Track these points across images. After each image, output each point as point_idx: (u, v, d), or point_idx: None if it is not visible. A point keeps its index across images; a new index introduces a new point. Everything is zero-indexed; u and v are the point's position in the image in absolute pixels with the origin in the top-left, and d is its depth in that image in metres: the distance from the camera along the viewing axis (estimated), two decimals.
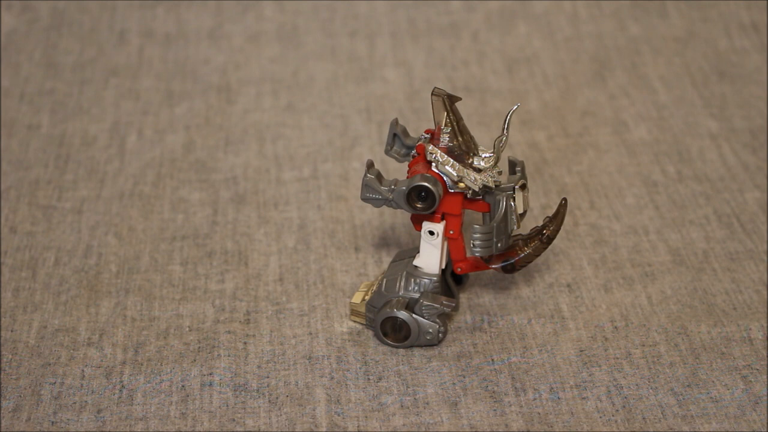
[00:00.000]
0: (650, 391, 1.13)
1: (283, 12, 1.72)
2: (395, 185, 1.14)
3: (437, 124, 1.15)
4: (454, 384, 1.14)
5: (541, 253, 1.17)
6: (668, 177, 1.42)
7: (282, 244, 1.32)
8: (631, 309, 1.23)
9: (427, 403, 1.12)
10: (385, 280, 1.18)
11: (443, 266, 1.19)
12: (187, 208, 1.37)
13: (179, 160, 1.45)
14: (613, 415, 1.11)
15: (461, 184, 1.13)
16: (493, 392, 1.13)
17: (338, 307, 1.23)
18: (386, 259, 1.29)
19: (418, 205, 1.13)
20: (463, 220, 1.17)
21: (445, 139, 1.14)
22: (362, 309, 1.19)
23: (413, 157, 1.17)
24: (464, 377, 1.15)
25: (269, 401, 1.12)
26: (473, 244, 1.14)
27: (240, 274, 1.27)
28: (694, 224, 1.35)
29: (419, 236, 1.17)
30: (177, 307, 1.23)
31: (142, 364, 1.16)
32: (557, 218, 1.18)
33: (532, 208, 1.36)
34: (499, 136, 1.14)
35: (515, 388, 1.13)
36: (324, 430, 1.09)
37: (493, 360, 1.16)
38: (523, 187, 1.17)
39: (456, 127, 1.14)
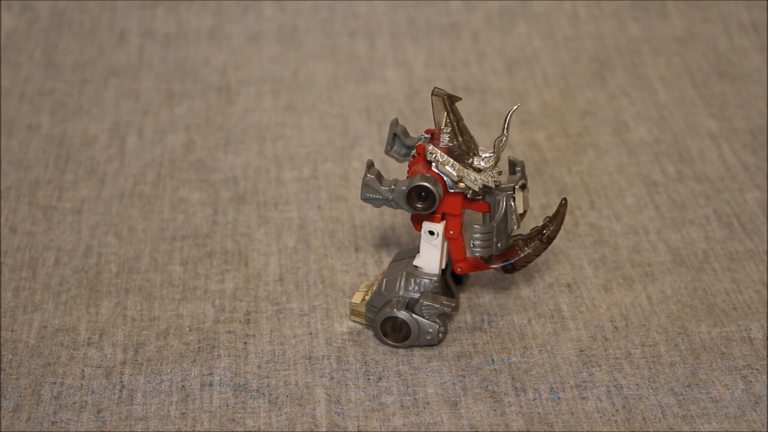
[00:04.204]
0: (650, 391, 1.13)
1: (283, 12, 1.72)
2: (395, 185, 1.13)
3: (437, 124, 1.15)
4: (454, 384, 1.14)
5: (541, 253, 1.17)
6: (668, 177, 1.42)
7: (282, 244, 1.32)
8: (631, 309, 1.23)
9: (427, 403, 1.12)
10: (385, 280, 1.18)
11: (443, 266, 1.19)
12: (187, 208, 1.37)
13: (179, 160, 1.45)
14: (613, 415, 1.11)
15: (461, 184, 1.13)
16: (493, 392, 1.13)
17: (338, 307, 1.23)
18: (386, 259, 1.29)
19: (418, 205, 1.13)
20: (463, 220, 1.17)
21: (445, 139, 1.14)
22: (362, 309, 1.19)
23: (413, 157, 1.17)
24: (464, 377, 1.15)
25: (269, 401, 1.12)
26: (473, 244, 1.14)
27: (240, 274, 1.27)
28: (694, 224, 1.35)
29: (419, 236, 1.17)
30: (177, 307, 1.23)
31: (142, 364, 1.16)
32: (557, 218, 1.18)
33: (532, 208, 1.36)
34: (499, 136, 1.14)
35: (515, 388, 1.13)
36: (324, 430, 1.09)
37: (493, 360, 1.17)
38: (523, 187, 1.17)
39: (456, 127, 1.14)
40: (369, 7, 1.72)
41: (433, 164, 1.13)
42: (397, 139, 1.19)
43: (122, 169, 1.43)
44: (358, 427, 1.10)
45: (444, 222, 1.16)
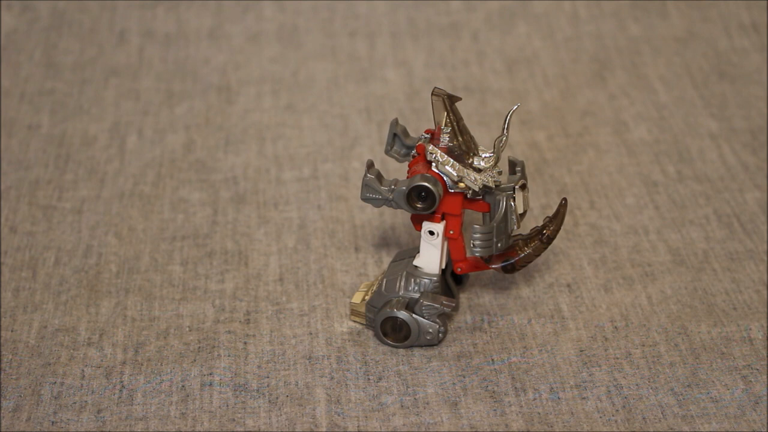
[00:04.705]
0: (650, 391, 1.13)
1: (283, 12, 1.72)
2: (395, 185, 1.13)
3: (437, 124, 1.15)
4: (454, 384, 1.14)
5: (541, 253, 1.17)
6: (668, 177, 1.42)
7: (282, 244, 1.32)
8: (631, 309, 1.23)
9: (427, 403, 1.12)
10: (385, 280, 1.18)
11: (443, 266, 1.19)
12: (187, 208, 1.37)
13: (179, 160, 1.45)
14: (613, 415, 1.11)
15: (461, 184, 1.13)
16: (493, 392, 1.13)
17: (338, 307, 1.23)
18: (386, 259, 1.29)
19: (418, 205, 1.13)
20: (463, 220, 1.17)
21: (445, 139, 1.14)
22: (362, 309, 1.19)
23: (413, 157, 1.17)
24: (464, 377, 1.15)
25: (269, 401, 1.12)
26: (473, 244, 1.14)
27: (240, 274, 1.27)
28: (694, 224, 1.35)
29: (419, 236, 1.17)
30: (177, 307, 1.23)
31: (142, 364, 1.16)
32: (557, 218, 1.18)
33: (532, 208, 1.36)
34: (499, 136, 1.14)
35: (515, 388, 1.13)
36: (324, 430, 1.09)
37: (493, 360, 1.17)
38: (523, 187, 1.17)
39: (456, 127, 1.14)
40: (369, 7, 1.72)
41: (433, 164, 1.13)
42: (397, 139, 1.19)
43: (122, 169, 1.43)
44: (358, 427, 1.10)
45: (444, 222, 1.16)
